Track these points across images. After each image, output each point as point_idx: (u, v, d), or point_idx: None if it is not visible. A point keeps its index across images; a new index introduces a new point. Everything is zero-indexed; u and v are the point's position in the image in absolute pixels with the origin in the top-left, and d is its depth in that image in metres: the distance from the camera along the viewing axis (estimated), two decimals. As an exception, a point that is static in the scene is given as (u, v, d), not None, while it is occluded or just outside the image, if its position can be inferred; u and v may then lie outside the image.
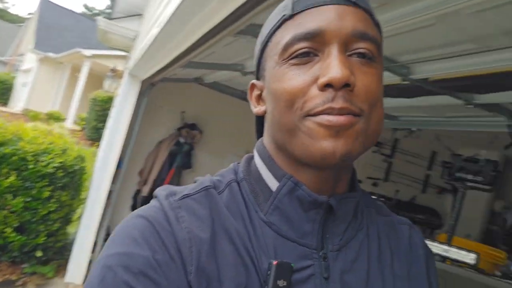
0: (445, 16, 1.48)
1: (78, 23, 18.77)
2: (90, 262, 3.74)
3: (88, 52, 12.55)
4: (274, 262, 0.50)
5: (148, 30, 2.94)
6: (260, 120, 0.64)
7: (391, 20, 1.58)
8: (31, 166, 3.37)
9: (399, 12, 1.51)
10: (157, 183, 4.23)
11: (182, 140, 4.36)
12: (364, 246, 0.58)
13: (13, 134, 3.48)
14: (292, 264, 0.51)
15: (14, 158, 3.32)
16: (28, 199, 3.37)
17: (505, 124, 2.51)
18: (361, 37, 0.52)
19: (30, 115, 12.72)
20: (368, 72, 0.52)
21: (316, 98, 0.50)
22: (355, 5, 0.53)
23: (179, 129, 4.40)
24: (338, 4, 0.53)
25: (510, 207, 4.21)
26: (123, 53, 4.46)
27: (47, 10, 17.94)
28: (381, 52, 0.56)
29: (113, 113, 3.88)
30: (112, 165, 3.71)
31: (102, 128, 8.61)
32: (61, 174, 3.56)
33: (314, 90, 0.51)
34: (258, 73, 0.62)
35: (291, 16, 0.54)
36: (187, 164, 4.41)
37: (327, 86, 0.50)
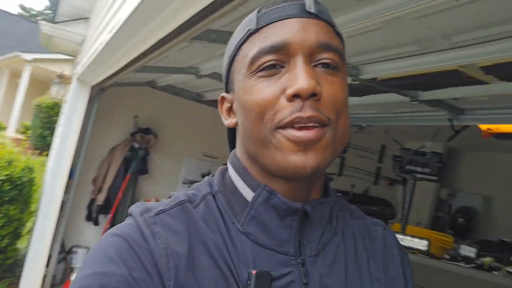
0: (391, 21, 1.58)
1: (14, 25, 17.67)
2: (45, 277, 3.57)
3: (28, 56, 11.84)
4: (254, 272, 0.51)
5: (98, 34, 2.85)
6: (232, 132, 0.65)
7: (341, 25, 1.64)
8: (-26, 181, 3.16)
9: (348, 17, 1.59)
10: (112, 190, 4.11)
11: (136, 145, 4.26)
12: (340, 249, 0.59)
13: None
14: (271, 272, 0.52)
15: (-46, 173, 3.10)
16: (-27, 216, 3.16)
17: (447, 118, 2.70)
18: (324, 48, 0.54)
19: (-35, 126, 11.83)
20: (333, 81, 0.54)
21: (285, 109, 0.52)
22: (318, 17, 0.55)
23: (133, 134, 4.29)
24: (301, 17, 0.55)
25: (455, 194, 4.51)
26: (68, 57, 4.27)
27: (-21, 12, 16.79)
28: (344, 61, 0.58)
29: (62, 120, 3.72)
30: (63, 175, 3.56)
31: (49, 136, 8.20)
32: (8, 187, 3.36)
33: (283, 101, 0.52)
34: (227, 86, 0.62)
35: (256, 30, 0.56)
36: (143, 169, 4.32)
37: (295, 96, 0.51)
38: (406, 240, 2.70)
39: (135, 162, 4.23)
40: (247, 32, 0.57)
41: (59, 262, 3.93)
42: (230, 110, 0.62)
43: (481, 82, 2.07)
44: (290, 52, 0.53)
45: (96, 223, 4.13)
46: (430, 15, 1.49)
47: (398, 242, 0.68)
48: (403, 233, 2.88)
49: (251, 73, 0.55)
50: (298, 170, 0.52)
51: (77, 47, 3.90)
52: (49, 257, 3.58)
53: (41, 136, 9.34)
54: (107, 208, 4.08)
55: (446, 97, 2.44)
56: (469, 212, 4.37)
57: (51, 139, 5.37)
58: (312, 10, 0.55)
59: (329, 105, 0.53)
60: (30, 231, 3.67)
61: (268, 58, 0.53)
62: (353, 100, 2.94)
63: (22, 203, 3.58)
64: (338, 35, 0.59)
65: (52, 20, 4.60)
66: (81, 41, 3.85)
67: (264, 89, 0.53)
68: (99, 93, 3.88)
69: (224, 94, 0.63)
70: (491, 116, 2.60)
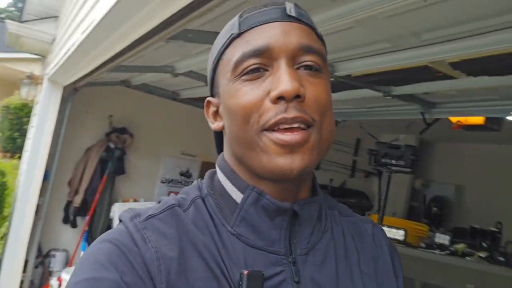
0: (363, 20, 1.63)
1: (-22, 23, 17.01)
2: (22, 282, 3.49)
3: (-7, 56, 11.42)
4: (245, 272, 0.51)
5: (69, 34, 2.79)
6: (219, 135, 0.66)
7: (316, 24, 1.69)
8: None
9: (322, 17, 1.63)
10: (89, 192, 4.04)
11: (112, 145, 4.20)
12: (330, 247, 0.60)
13: None
14: (263, 272, 0.52)
15: None
16: None
17: (419, 112, 2.80)
18: (307, 50, 0.55)
19: None
20: (316, 83, 0.55)
21: (270, 111, 0.53)
22: (299, 21, 0.57)
23: (108, 134, 4.23)
24: (283, 21, 0.56)
25: (428, 185, 4.67)
26: (36, 56, 4.15)
27: None
28: (326, 63, 0.59)
29: (34, 122, 3.63)
30: (38, 177, 3.48)
31: (19, 138, 7.95)
32: (-20, 193, 3.27)
33: (268, 103, 0.53)
34: (212, 90, 0.63)
35: (238, 35, 0.57)
36: (120, 169, 4.26)
37: (279, 98, 0.52)
38: (383, 231, 2.80)
39: (112, 162, 4.17)
40: (230, 37, 0.58)
41: (36, 266, 3.84)
42: (216, 113, 0.63)
43: (450, 77, 2.16)
44: (273, 55, 0.54)
45: (74, 225, 4.06)
46: (400, 14, 1.55)
47: (386, 237, 0.69)
48: (381, 224, 2.97)
49: (235, 77, 0.56)
50: (285, 172, 0.53)
51: (47, 46, 3.80)
52: (26, 261, 3.50)
53: (11, 138, 9.05)
54: (84, 210, 4.02)
55: (418, 91, 2.53)
56: (442, 201, 4.54)
57: (22, 141, 5.22)
58: (293, 13, 0.56)
59: (313, 106, 0.54)
60: (4, 237, 3.57)
61: (252, 62, 0.54)
62: (328, 96, 3.00)
63: (-6, 208, 3.49)
64: (320, 37, 0.60)
65: (19, 19, 4.45)
66: (51, 40, 3.75)
67: (248, 93, 0.54)
68: (72, 93, 3.80)
69: (209, 98, 0.64)
70: (460, 109, 2.71)
